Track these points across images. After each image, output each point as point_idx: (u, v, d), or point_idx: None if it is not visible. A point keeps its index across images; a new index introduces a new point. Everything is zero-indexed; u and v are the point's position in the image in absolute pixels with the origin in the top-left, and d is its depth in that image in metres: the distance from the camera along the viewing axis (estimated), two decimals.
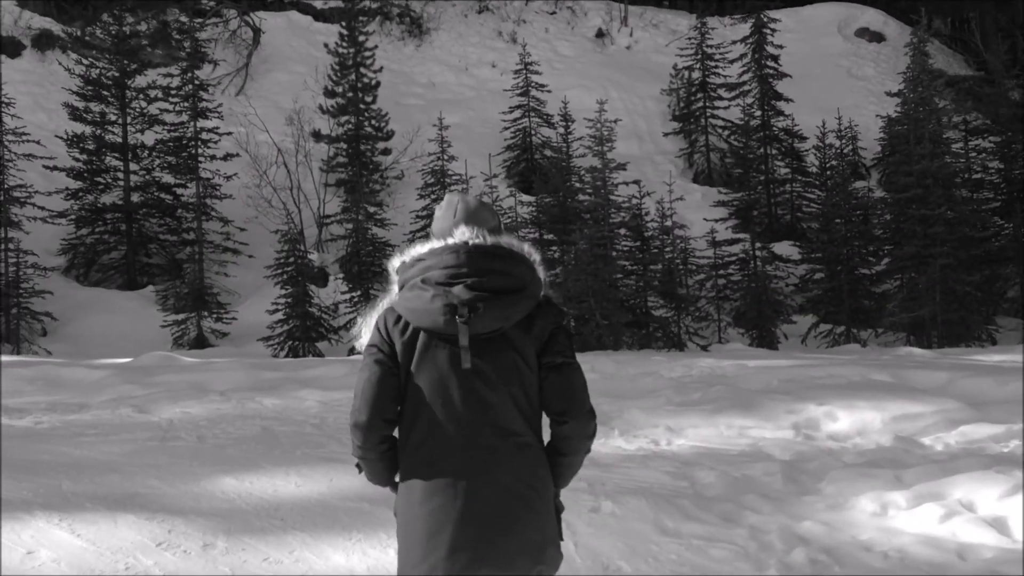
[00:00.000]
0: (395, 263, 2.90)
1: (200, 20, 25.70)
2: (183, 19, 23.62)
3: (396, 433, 2.83)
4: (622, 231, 15.33)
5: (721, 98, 24.87)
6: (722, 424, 8.16)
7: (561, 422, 2.77)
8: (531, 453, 2.76)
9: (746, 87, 23.72)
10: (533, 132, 23.72)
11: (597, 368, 11.13)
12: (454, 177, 19.12)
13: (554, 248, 16.68)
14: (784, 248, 19.13)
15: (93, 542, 4.92)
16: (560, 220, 16.38)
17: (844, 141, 21.30)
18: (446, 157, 19.38)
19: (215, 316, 16.69)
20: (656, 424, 8.23)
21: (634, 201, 15.85)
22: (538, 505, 2.74)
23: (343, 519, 5.41)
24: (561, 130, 19.73)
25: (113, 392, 11.09)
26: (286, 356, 15.18)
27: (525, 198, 19.19)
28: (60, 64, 21.77)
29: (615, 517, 5.49)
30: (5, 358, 14.39)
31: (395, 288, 2.85)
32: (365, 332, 2.86)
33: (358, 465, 2.89)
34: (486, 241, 2.80)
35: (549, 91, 24.10)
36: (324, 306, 16.36)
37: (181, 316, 16.53)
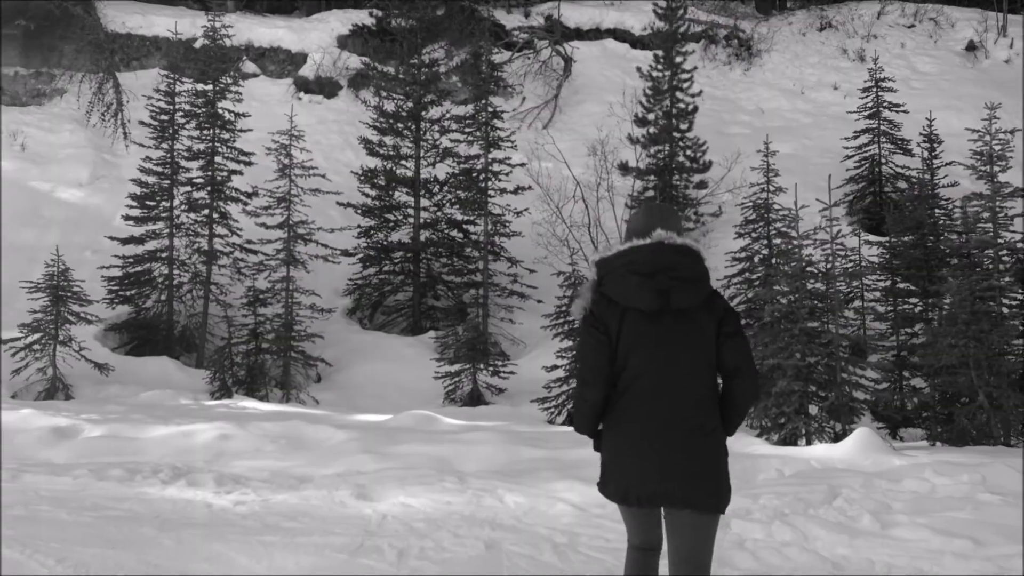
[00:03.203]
0: (595, 257, 3.79)
1: (511, 52, 24.43)
2: (494, 52, 22.31)
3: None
4: (1007, 279, 11.07)
5: None
6: None
7: (734, 378, 3.64)
8: (709, 403, 3.61)
9: None
10: (884, 160, 19.49)
11: (991, 482, 7.29)
12: (780, 212, 15.61)
13: (913, 301, 12.70)
14: None
15: None
16: (922, 265, 12.38)
17: None
18: (772, 188, 15.93)
19: (491, 369, 14.52)
20: None
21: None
22: (711, 440, 3.59)
23: None
24: (924, 154, 15.60)
25: (345, 463, 9.19)
26: (564, 423, 12.54)
27: (872, 238, 15.26)
28: (364, 102, 21.17)
29: None
30: (264, 407, 13.14)
31: (593, 278, 3.70)
32: (576, 311, 3.69)
33: (570, 416, 4.34)
34: (676, 241, 3.67)
35: (905, 111, 19.76)
36: None
37: (456, 368, 14.54)
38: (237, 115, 16.81)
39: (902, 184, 18.76)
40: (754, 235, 15.77)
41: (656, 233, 3.67)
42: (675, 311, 3.55)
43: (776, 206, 15.69)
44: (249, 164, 16.57)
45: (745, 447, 9.18)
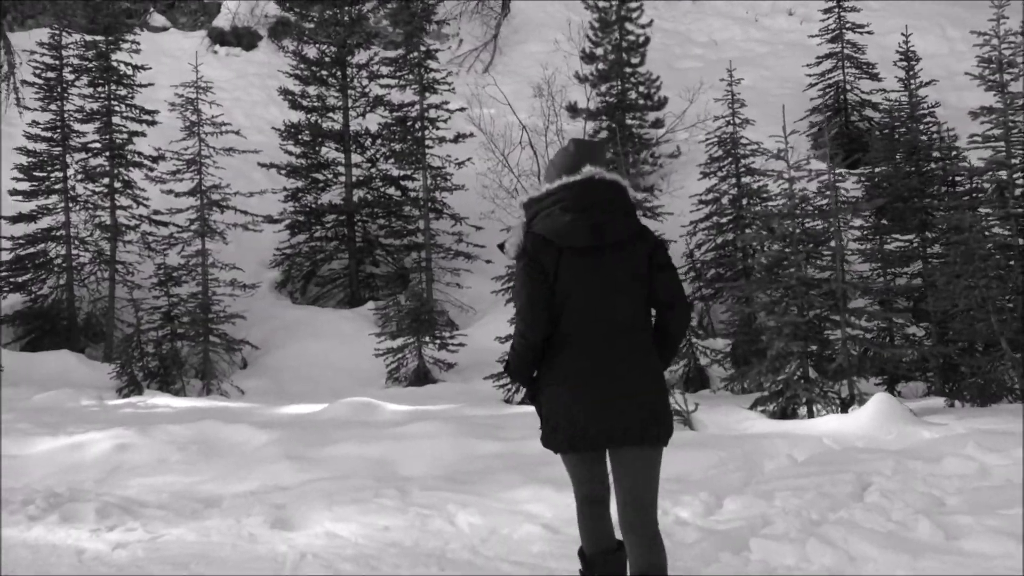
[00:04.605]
0: (523, 199, 3.73)
1: None
2: None
3: None
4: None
5: None
6: None
7: (669, 311, 3.64)
8: (648, 338, 3.62)
9: None
10: (850, 87, 18.09)
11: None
12: (749, 147, 14.12)
13: (907, 238, 11.32)
14: None
15: None
16: (919, 195, 11.01)
17: None
18: (737, 121, 14.41)
19: (439, 342, 12.92)
20: None
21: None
22: (656, 375, 3.61)
23: None
24: (901, 74, 14.17)
25: (263, 475, 7.57)
26: (522, 401, 10.97)
27: (849, 171, 13.86)
28: (286, 52, 19.13)
29: None
30: (178, 403, 11.43)
31: (523, 219, 3.65)
32: (511, 249, 3.60)
33: (507, 365, 3.69)
34: (606, 176, 3.62)
35: (870, 32, 18.37)
36: None
37: (398, 342, 12.92)
38: (136, 68, 14.78)
39: (869, 112, 17.43)
40: (720, 174, 14.27)
41: (586, 169, 3.62)
42: (611, 245, 3.54)
43: (744, 140, 14.20)
44: (152, 124, 14.61)
45: (742, 423, 7.73)
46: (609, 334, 3.50)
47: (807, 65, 18.40)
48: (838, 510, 5.41)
